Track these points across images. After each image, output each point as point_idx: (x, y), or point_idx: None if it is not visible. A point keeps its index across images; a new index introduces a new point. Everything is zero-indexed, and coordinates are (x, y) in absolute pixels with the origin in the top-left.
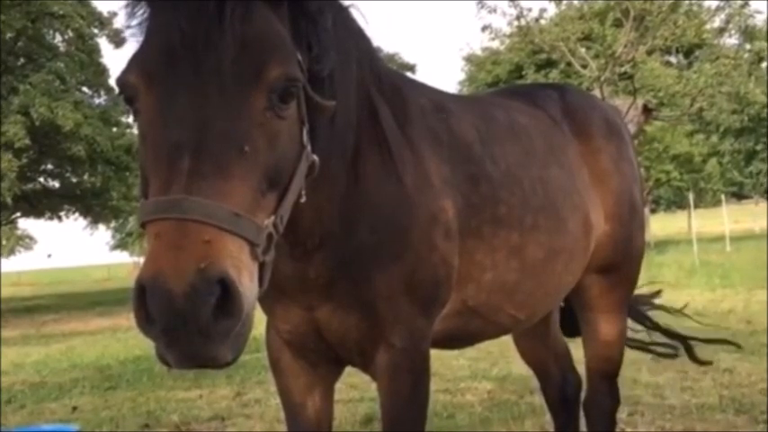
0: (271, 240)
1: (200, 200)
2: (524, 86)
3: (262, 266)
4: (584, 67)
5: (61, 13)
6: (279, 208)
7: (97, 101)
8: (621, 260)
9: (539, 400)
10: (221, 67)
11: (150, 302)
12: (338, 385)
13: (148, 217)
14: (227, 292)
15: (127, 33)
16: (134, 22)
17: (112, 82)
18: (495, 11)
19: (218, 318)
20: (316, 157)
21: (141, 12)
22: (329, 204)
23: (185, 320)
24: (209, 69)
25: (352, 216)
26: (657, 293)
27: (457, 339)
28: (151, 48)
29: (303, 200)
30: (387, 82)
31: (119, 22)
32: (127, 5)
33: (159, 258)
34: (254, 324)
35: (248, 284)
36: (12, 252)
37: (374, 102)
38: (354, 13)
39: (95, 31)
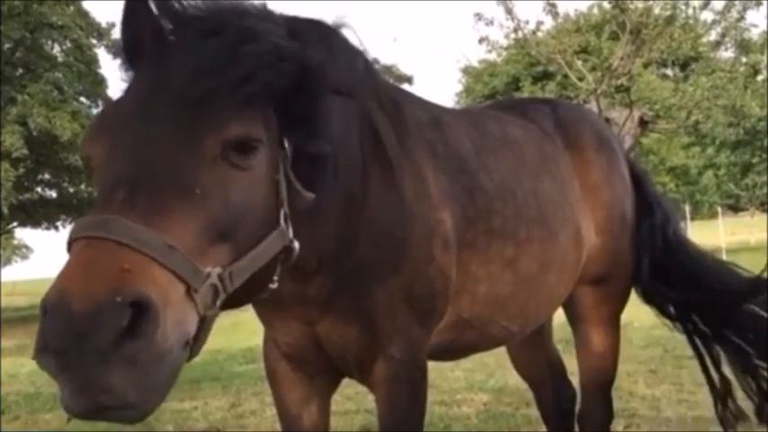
0: (216, 294)
1: (131, 223)
2: (517, 100)
3: (202, 321)
4: (581, 79)
5: (60, 23)
6: (231, 265)
7: (95, 111)
8: (613, 272)
9: (535, 411)
10: (176, 113)
11: (47, 323)
12: (334, 397)
13: (72, 236)
14: (140, 314)
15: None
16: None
17: (111, 92)
18: (492, 23)
19: (122, 340)
20: (296, 244)
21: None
22: (328, 233)
23: (80, 340)
24: (161, 115)
25: (354, 234)
26: None
27: (450, 351)
28: (115, 104)
29: (274, 286)
30: (385, 97)
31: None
32: (120, 67)
33: (68, 277)
34: (177, 380)
35: (172, 325)
36: (8, 262)
37: (375, 122)
38: (348, 33)
39: (94, 41)
